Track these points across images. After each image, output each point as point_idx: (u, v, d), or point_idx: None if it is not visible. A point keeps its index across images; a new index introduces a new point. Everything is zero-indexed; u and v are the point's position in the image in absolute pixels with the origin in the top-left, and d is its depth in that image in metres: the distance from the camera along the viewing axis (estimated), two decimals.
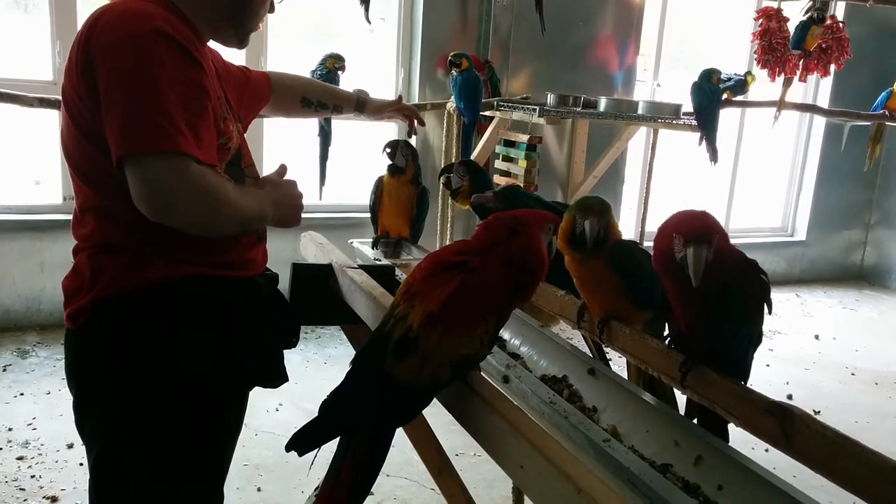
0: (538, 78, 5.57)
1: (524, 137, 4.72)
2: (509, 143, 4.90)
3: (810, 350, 5.36)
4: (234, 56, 1.92)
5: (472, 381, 1.35)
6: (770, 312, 1.62)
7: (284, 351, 1.79)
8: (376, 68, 5.44)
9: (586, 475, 1.04)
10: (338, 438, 1.37)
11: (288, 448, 1.34)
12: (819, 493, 1.36)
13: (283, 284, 1.92)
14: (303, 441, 1.33)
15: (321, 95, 2.18)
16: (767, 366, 4.86)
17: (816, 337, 5.62)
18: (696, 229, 1.53)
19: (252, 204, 1.49)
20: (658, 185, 5.58)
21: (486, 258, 1.34)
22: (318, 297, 2.13)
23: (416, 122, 2.41)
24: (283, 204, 1.60)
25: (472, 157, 4.88)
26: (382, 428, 1.34)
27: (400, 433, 1.55)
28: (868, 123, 6.07)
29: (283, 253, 2.55)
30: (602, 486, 1.02)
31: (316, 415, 1.35)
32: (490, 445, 1.26)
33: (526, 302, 1.42)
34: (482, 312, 1.32)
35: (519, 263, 1.35)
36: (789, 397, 4.41)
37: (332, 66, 4.36)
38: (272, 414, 3.62)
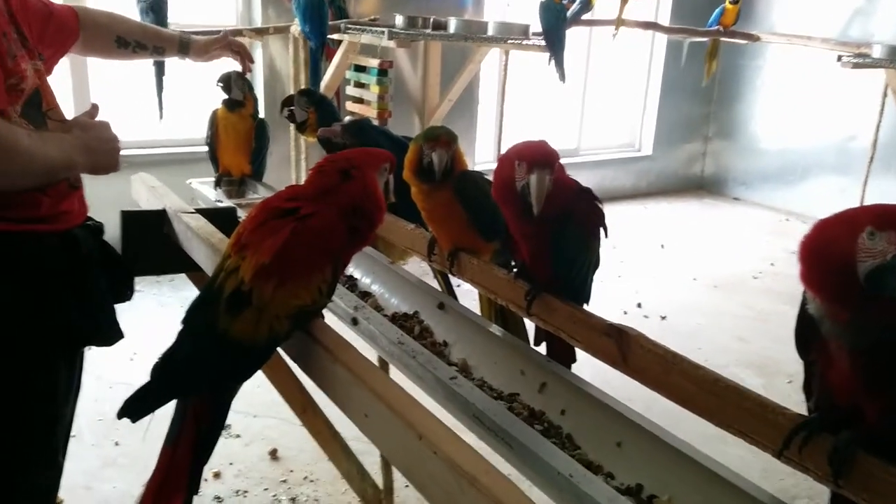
0: None
1: (375, 62, 4.57)
2: (360, 69, 4.74)
3: (657, 260, 5.72)
4: None
5: (315, 330, 1.31)
6: (606, 237, 1.67)
7: (134, 299, 1.69)
8: None
9: (427, 421, 1.04)
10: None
11: (120, 415, 1.26)
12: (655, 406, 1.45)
13: (115, 233, 1.78)
14: (135, 406, 1.26)
15: (139, 35, 1.99)
16: (619, 277, 5.15)
17: (662, 247, 6.00)
18: (537, 155, 1.54)
19: (54, 152, 1.34)
20: (512, 106, 5.63)
21: (320, 204, 1.28)
22: (153, 245, 2.01)
23: (248, 58, 2.26)
24: (96, 149, 1.45)
25: (323, 84, 4.70)
26: (220, 388, 1.28)
27: (261, 374, 1.50)
28: (705, 40, 6.37)
29: (118, 197, 2.35)
30: (443, 431, 1.02)
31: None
32: (335, 395, 1.24)
33: (364, 246, 1.38)
34: (318, 261, 1.26)
35: (354, 208, 1.30)
36: (639, 305, 4.72)
37: None
38: (126, 364, 3.43)
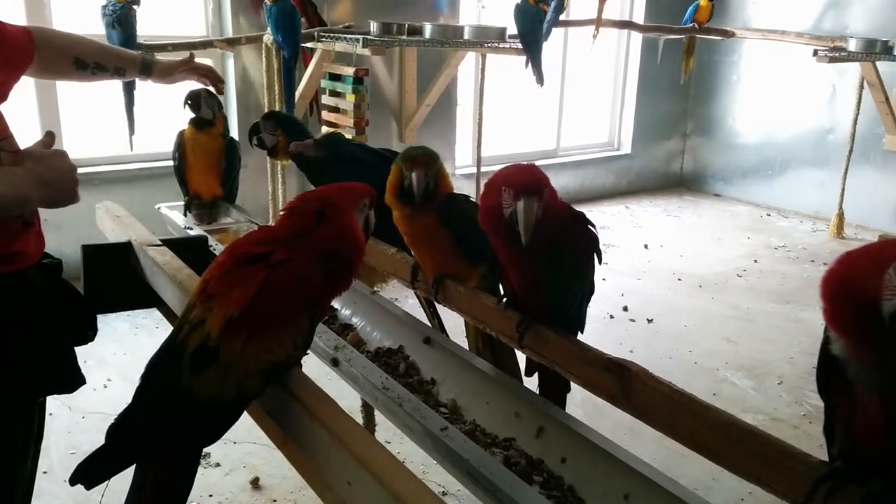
0: (361, 4, 5.26)
1: (350, 70, 4.45)
2: (335, 77, 4.61)
3: (641, 260, 5.65)
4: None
5: (291, 382, 1.20)
6: (600, 262, 1.57)
7: (107, 319, 1.56)
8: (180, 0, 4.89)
9: (418, 493, 0.93)
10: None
11: (73, 481, 1.15)
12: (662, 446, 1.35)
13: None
14: (90, 472, 1.14)
15: (99, 56, 1.86)
16: (604, 279, 5.07)
17: (646, 246, 5.93)
18: (525, 181, 1.45)
19: (3, 187, 1.22)
20: (491, 109, 5.53)
21: (293, 248, 1.16)
22: (119, 280, 1.88)
23: (216, 81, 2.13)
24: (51, 181, 1.32)
25: (297, 94, 4.57)
26: (184, 452, 1.16)
27: None
28: (681, 37, 6.33)
29: (81, 229, 2.23)
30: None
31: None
32: (314, 457, 1.12)
33: (344, 291, 1.27)
34: (292, 313, 1.16)
35: (331, 252, 1.19)
36: (625, 308, 4.64)
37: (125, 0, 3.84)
38: (100, 392, 3.28)
